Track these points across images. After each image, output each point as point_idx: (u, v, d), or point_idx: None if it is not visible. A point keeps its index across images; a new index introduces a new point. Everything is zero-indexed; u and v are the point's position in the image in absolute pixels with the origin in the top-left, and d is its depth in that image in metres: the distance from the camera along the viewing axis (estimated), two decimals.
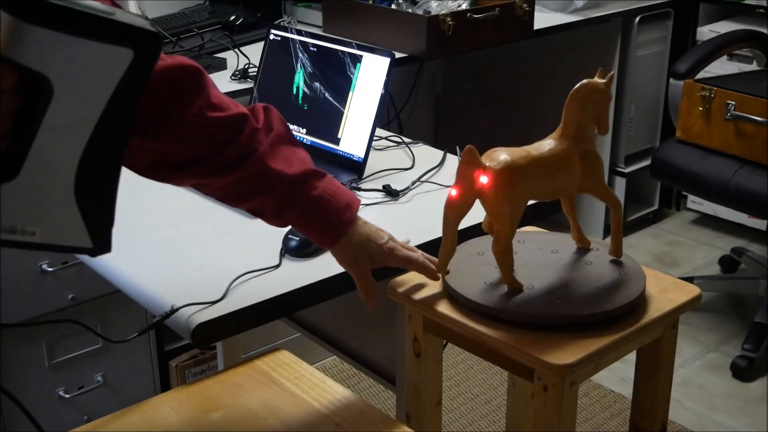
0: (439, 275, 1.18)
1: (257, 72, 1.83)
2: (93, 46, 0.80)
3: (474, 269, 1.21)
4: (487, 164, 1.09)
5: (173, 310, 1.17)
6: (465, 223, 1.39)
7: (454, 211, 1.14)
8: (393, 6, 2.44)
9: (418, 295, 1.19)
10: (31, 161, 0.83)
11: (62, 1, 0.78)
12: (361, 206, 1.15)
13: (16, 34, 0.77)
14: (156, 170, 1.08)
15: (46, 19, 0.77)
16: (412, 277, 1.22)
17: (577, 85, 1.15)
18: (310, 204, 1.10)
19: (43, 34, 0.78)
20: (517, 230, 1.34)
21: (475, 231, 1.36)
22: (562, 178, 1.15)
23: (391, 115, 2.57)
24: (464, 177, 1.11)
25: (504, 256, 1.14)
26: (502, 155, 1.10)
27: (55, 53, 0.79)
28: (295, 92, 1.73)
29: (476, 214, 1.28)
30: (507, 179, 1.09)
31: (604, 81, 1.16)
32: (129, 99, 0.85)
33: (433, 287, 1.20)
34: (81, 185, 0.86)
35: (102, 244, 0.91)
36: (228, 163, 1.07)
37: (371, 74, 1.62)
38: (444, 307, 1.16)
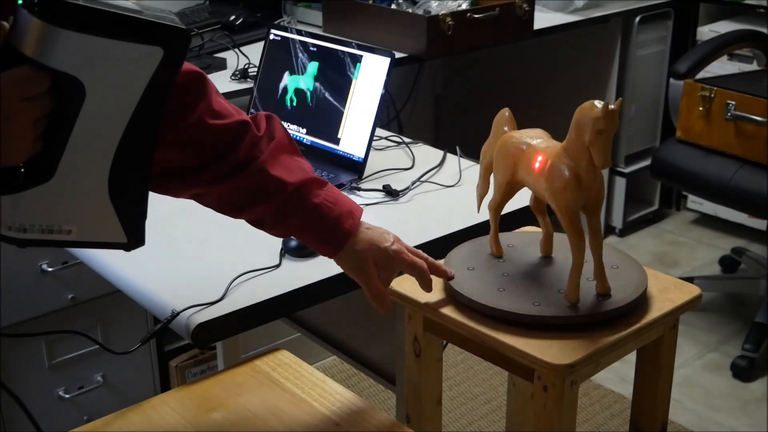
0: (432, 289, 1.16)
1: (257, 72, 1.83)
2: (123, 46, 0.81)
3: (474, 269, 1.20)
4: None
5: (173, 315, 1.17)
6: (466, 222, 1.40)
7: (485, 153, 1.23)
8: (393, 6, 2.44)
9: (419, 296, 1.19)
10: (65, 162, 0.84)
11: (90, 2, 0.79)
12: (361, 206, 1.15)
13: (47, 39, 0.78)
14: (155, 180, 1.06)
15: (75, 22, 0.78)
16: (411, 277, 1.22)
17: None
18: (311, 212, 1.08)
19: (73, 37, 0.78)
20: (517, 230, 1.34)
21: (476, 231, 1.36)
22: (524, 177, 1.14)
23: (391, 115, 2.57)
24: (494, 134, 1.21)
25: (491, 215, 1.23)
26: (517, 132, 1.17)
27: (85, 55, 0.80)
28: (294, 92, 1.73)
29: (477, 214, 1.28)
30: (483, 150, 1.21)
31: (600, 107, 1.03)
32: (159, 96, 0.86)
33: (434, 287, 1.20)
34: (115, 183, 0.88)
35: (136, 238, 0.93)
36: (228, 171, 1.06)
37: (371, 74, 1.62)
38: (444, 307, 1.16)
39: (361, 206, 1.14)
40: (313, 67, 1.71)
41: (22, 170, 0.83)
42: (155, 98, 0.85)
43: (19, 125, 0.80)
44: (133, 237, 0.93)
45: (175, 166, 1.06)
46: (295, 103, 1.73)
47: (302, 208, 1.08)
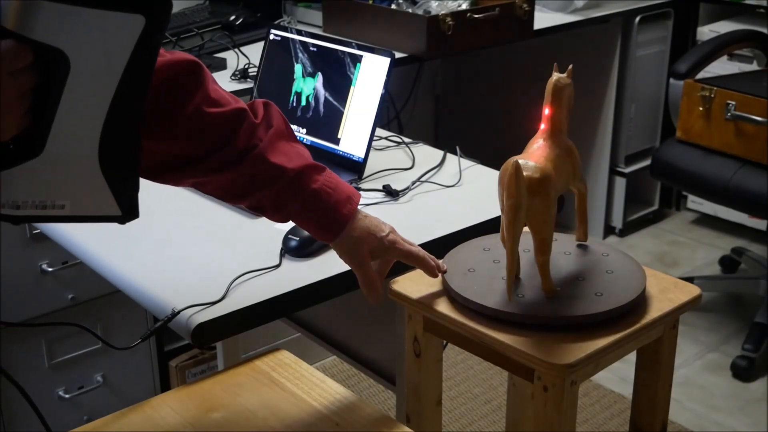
0: (438, 273, 1.18)
1: (257, 72, 1.83)
2: (104, 15, 0.80)
3: (474, 270, 1.20)
4: None
5: (174, 314, 1.17)
6: (466, 222, 1.40)
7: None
8: (393, 6, 2.44)
9: (419, 295, 1.19)
10: (54, 136, 0.84)
11: None
12: (361, 206, 1.15)
13: (27, 11, 0.77)
14: (155, 171, 1.07)
15: None
16: (412, 277, 1.22)
17: None
18: (310, 197, 1.10)
19: (54, 8, 0.78)
20: None
21: (476, 231, 1.36)
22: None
23: (391, 115, 2.57)
24: None
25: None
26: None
27: (67, 26, 0.79)
28: (294, 92, 1.73)
29: (477, 214, 1.28)
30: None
31: None
32: (144, 65, 0.86)
33: (433, 287, 1.20)
34: (105, 155, 0.87)
35: (130, 210, 0.93)
36: (228, 160, 1.07)
37: (371, 74, 1.62)
38: (444, 307, 1.16)
39: (361, 206, 1.15)
40: (312, 67, 1.71)
41: (11, 146, 0.83)
42: (141, 67, 0.85)
43: (6, 100, 0.79)
44: (126, 209, 0.92)
45: (174, 156, 1.06)
46: (295, 103, 1.73)
47: (302, 193, 1.09)
